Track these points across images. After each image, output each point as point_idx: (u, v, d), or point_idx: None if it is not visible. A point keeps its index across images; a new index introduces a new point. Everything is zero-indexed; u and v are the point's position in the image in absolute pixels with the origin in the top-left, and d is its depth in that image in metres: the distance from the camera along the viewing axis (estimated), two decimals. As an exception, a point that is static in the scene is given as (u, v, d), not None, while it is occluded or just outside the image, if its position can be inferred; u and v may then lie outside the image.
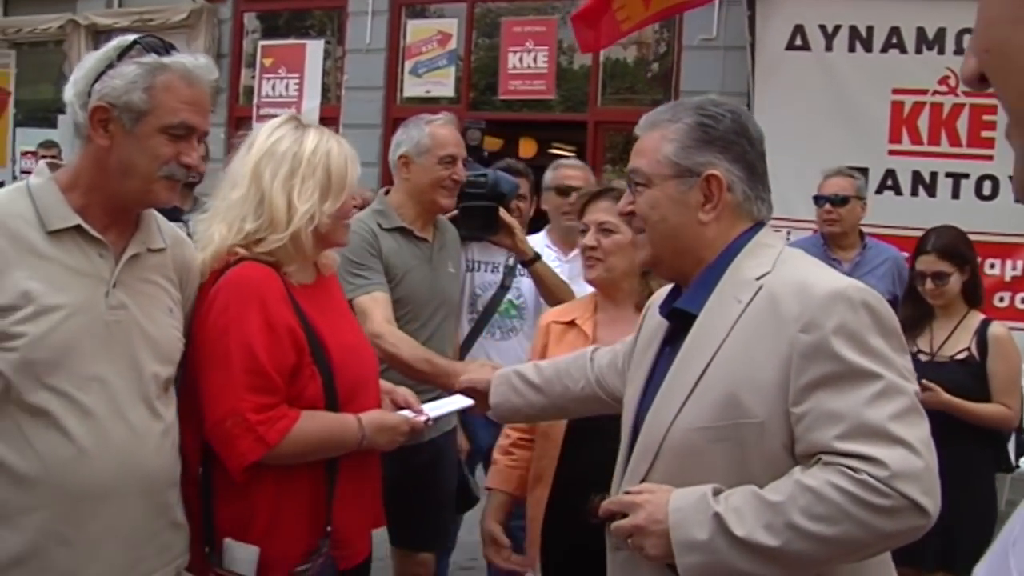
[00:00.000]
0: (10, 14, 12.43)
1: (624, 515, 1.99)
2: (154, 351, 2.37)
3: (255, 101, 10.56)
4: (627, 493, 2.03)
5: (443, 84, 10.07)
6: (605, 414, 2.58)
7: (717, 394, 1.94)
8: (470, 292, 4.44)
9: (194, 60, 2.36)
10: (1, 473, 2.18)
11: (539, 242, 4.86)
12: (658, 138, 2.09)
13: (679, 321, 2.13)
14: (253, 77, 10.76)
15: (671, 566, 1.90)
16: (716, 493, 1.88)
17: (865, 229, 5.55)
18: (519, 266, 4.47)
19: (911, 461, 1.78)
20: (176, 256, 2.51)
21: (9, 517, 2.19)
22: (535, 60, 9.54)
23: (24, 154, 11.63)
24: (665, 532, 1.89)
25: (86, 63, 2.32)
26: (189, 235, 2.74)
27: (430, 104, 9.45)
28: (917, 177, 7.39)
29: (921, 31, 7.22)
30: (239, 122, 10.22)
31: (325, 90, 10.59)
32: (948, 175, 7.25)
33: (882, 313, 1.91)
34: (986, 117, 6.92)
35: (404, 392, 2.92)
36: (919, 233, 4.71)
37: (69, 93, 2.30)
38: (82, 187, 2.30)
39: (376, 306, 3.47)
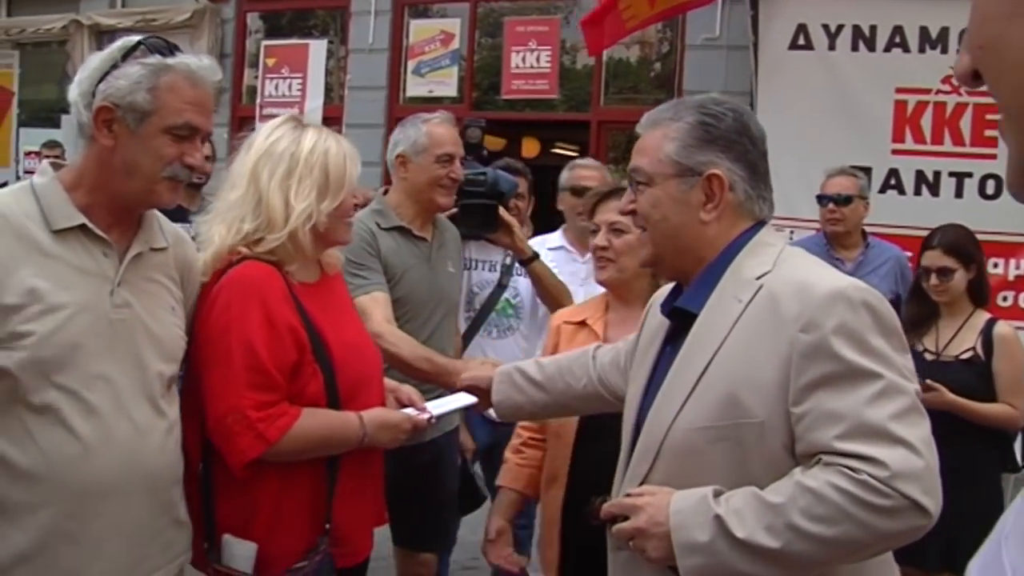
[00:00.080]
0: (13, 14, 12.44)
1: (625, 517, 1.99)
2: (158, 349, 2.39)
3: (258, 101, 10.56)
4: (628, 495, 2.03)
5: (446, 84, 10.07)
6: (613, 412, 2.56)
7: (717, 394, 1.94)
8: (467, 290, 4.44)
9: (198, 61, 2.37)
10: (6, 471, 2.19)
11: (556, 242, 4.90)
12: (660, 137, 2.09)
13: (680, 320, 2.12)
14: (256, 77, 10.77)
15: (673, 568, 1.90)
16: (717, 495, 1.88)
17: (868, 229, 5.55)
18: (516, 265, 4.48)
19: (911, 461, 1.78)
20: (177, 255, 2.53)
21: (14, 515, 2.20)
22: (538, 60, 9.53)
23: (28, 154, 11.63)
24: (666, 534, 1.89)
25: (90, 63, 2.33)
26: (195, 236, 2.75)
27: (433, 104, 9.44)
28: (920, 176, 7.38)
29: (924, 30, 7.21)
30: (242, 122, 10.23)
31: (328, 90, 10.59)
32: (951, 174, 7.24)
33: (882, 312, 1.90)
34: (989, 116, 6.90)
35: (408, 390, 2.93)
36: (923, 233, 4.70)
37: (73, 93, 2.31)
38: (86, 186, 2.31)
39: (376, 306, 3.47)
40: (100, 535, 2.25)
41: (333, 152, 2.68)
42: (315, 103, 10.39)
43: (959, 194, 7.20)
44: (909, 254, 5.51)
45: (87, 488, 2.22)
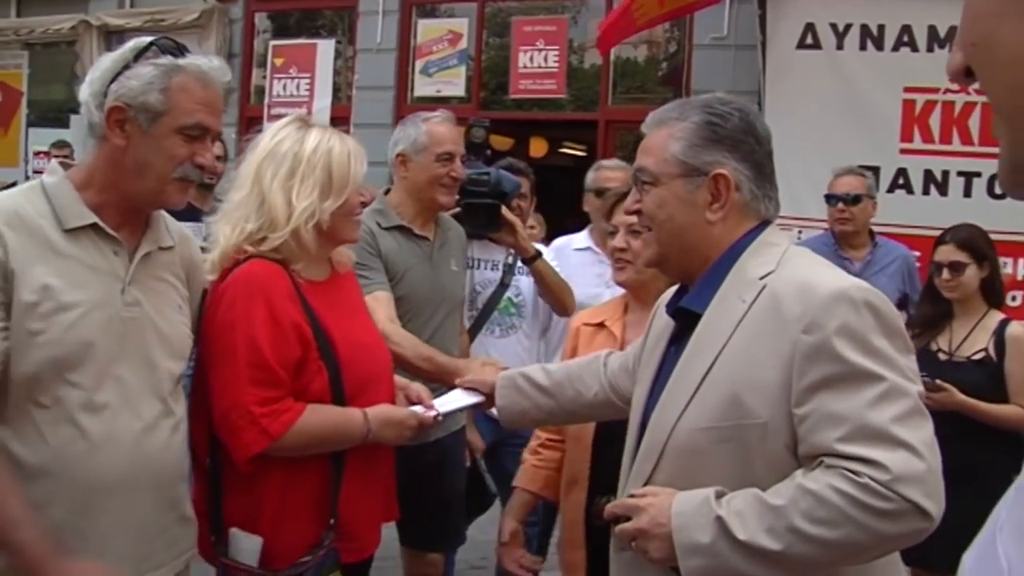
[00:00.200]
0: (23, 15, 12.48)
1: (628, 518, 1.99)
2: (166, 347, 2.41)
3: (266, 101, 10.58)
4: (631, 496, 2.03)
5: (454, 83, 10.08)
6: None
7: (720, 394, 1.94)
8: (470, 289, 4.44)
9: (208, 62, 2.39)
10: (17, 469, 2.20)
11: (582, 243, 4.92)
12: (665, 136, 2.08)
13: (684, 320, 2.12)
14: (264, 77, 10.78)
15: (675, 569, 1.90)
16: (719, 496, 1.88)
17: (877, 228, 5.54)
18: (518, 264, 4.48)
19: (913, 464, 1.77)
20: (183, 254, 2.56)
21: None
22: (546, 59, 9.54)
23: (37, 154, 11.66)
24: (668, 535, 1.89)
25: (102, 64, 2.35)
26: (206, 236, 2.79)
27: (441, 103, 9.45)
28: (929, 176, 7.36)
29: (932, 29, 7.19)
30: (250, 122, 10.25)
31: (336, 90, 10.61)
32: (960, 174, 7.22)
33: (885, 313, 1.89)
34: (998, 116, 6.88)
35: (418, 388, 2.94)
36: (931, 232, 4.70)
37: (85, 93, 2.33)
38: (96, 186, 2.33)
39: (379, 305, 3.47)
40: (107, 531, 2.27)
41: (337, 151, 2.70)
42: (323, 103, 10.40)
43: (968, 193, 7.18)
44: (917, 254, 5.51)
45: (94, 484, 2.24)
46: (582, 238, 4.97)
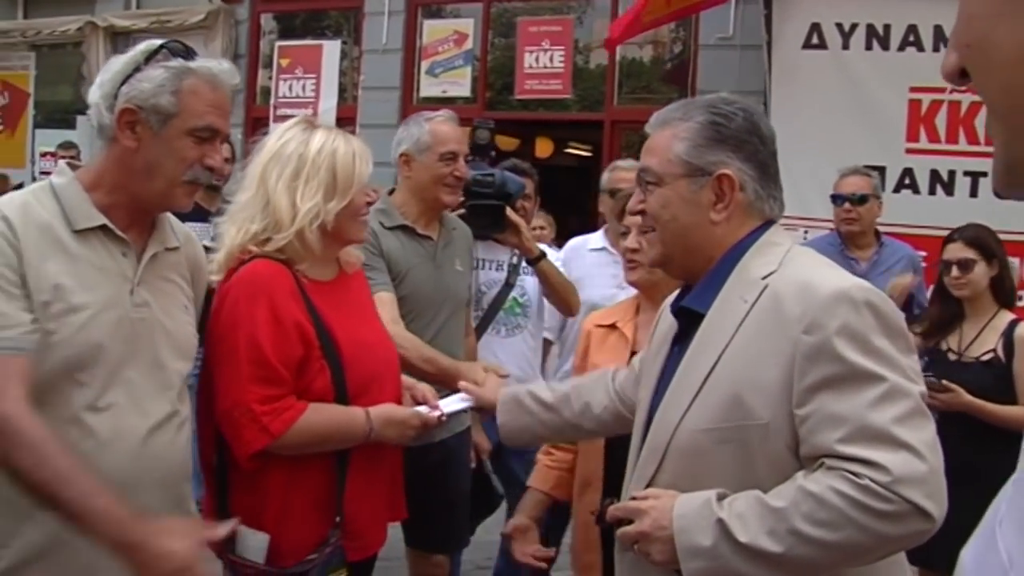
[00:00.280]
0: (29, 16, 12.51)
1: (631, 520, 1.99)
2: (174, 347, 2.43)
3: (272, 102, 10.59)
4: (633, 499, 2.03)
5: (459, 84, 10.09)
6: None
7: (722, 395, 1.93)
8: (475, 289, 4.45)
9: (218, 65, 2.41)
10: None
11: (597, 243, 4.92)
12: (669, 136, 2.07)
13: (687, 320, 2.12)
14: (270, 78, 10.80)
15: (678, 571, 1.90)
16: (720, 499, 1.88)
17: (883, 228, 5.52)
18: (523, 264, 4.49)
19: (914, 465, 1.77)
20: (188, 254, 2.58)
21: (32, 513, 2.22)
22: (551, 60, 9.54)
23: (43, 155, 11.69)
24: (670, 538, 1.89)
25: (113, 66, 2.36)
26: (214, 236, 2.80)
27: (447, 104, 9.45)
28: (935, 176, 7.35)
29: (938, 29, 7.18)
30: (256, 123, 10.26)
31: (342, 90, 10.62)
32: (966, 174, 7.20)
33: (886, 313, 1.88)
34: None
35: (424, 388, 2.95)
36: (937, 232, 4.70)
37: (95, 95, 2.34)
38: (106, 187, 2.34)
39: (382, 307, 3.48)
40: None
41: (341, 152, 2.72)
42: (329, 103, 10.41)
43: (974, 193, 7.17)
44: (923, 254, 5.50)
45: (103, 482, 2.24)
46: (597, 238, 4.98)
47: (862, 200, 5.27)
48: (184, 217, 2.64)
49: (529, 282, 4.56)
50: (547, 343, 5.05)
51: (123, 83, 2.30)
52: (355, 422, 2.67)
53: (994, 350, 4.24)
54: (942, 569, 3.89)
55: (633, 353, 2.86)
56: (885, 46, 7.50)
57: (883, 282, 4.84)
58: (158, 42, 2.38)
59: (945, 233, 4.60)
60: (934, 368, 4.25)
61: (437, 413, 2.83)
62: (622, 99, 9.58)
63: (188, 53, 2.38)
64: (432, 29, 10.24)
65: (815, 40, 7.72)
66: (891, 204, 6.01)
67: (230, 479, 2.66)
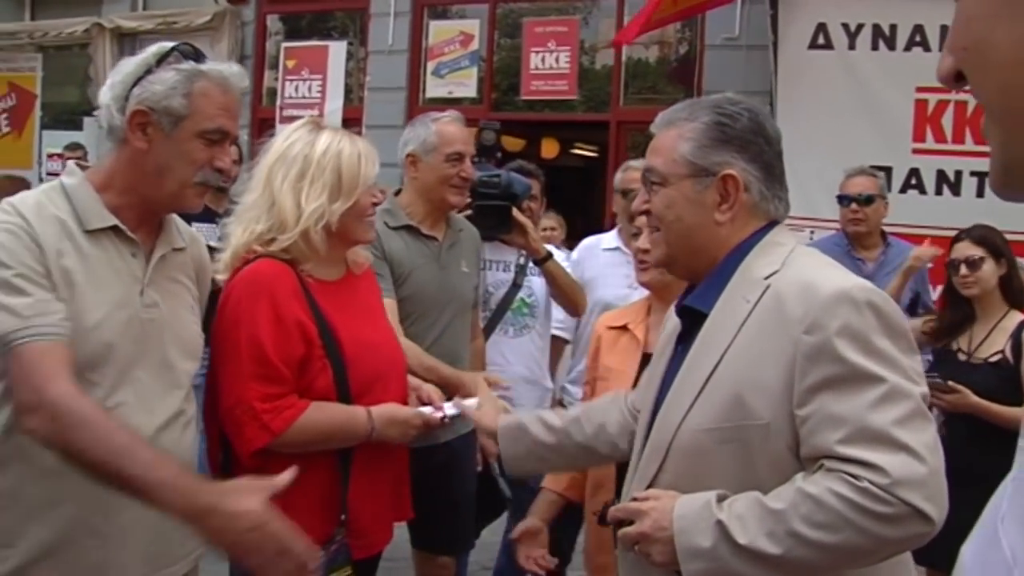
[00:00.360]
0: (37, 18, 12.55)
1: (632, 521, 1.99)
2: (181, 348, 2.45)
3: (278, 103, 10.60)
4: (634, 500, 2.03)
5: (465, 85, 10.09)
6: None
7: (724, 395, 1.93)
8: (482, 290, 4.46)
9: (229, 68, 2.44)
10: (28, 468, 2.22)
11: (611, 243, 4.92)
12: (674, 136, 2.07)
13: (690, 319, 2.12)
14: (276, 79, 10.80)
15: (678, 572, 1.90)
16: (720, 500, 1.88)
17: (889, 229, 5.51)
18: (530, 265, 4.50)
19: (913, 467, 1.76)
20: (194, 255, 2.60)
21: (37, 511, 2.24)
22: (557, 60, 9.54)
23: (50, 156, 11.71)
24: (670, 539, 1.89)
25: (124, 68, 2.38)
26: (221, 237, 2.84)
27: (452, 105, 9.45)
28: (942, 176, 7.33)
29: (945, 29, 7.08)
30: (262, 124, 10.28)
31: (348, 91, 10.62)
32: (973, 174, 7.18)
33: (888, 313, 1.88)
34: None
35: (429, 388, 2.98)
36: (944, 233, 4.69)
37: (106, 96, 2.36)
38: (116, 188, 2.35)
39: None
40: (125, 527, 2.30)
41: (347, 153, 2.74)
42: (335, 104, 10.41)
43: (980, 194, 7.15)
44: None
45: None
46: (611, 238, 4.98)
47: (868, 200, 5.26)
48: (191, 218, 2.66)
49: (536, 282, 4.57)
50: (562, 342, 5.06)
51: (134, 85, 2.32)
52: (356, 421, 2.68)
53: (1002, 351, 4.23)
54: (941, 569, 3.89)
55: (644, 355, 2.86)
56: (891, 46, 7.48)
57: (889, 282, 4.83)
58: (169, 44, 2.40)
59: (952, 233, 4.60)
60: (944, 368, 4.25)
61: (440, 415, 2.84)
62: (628, 100, 9.57)
63: (199, 56, 2.40)
64: (438, 30, 10.25)
65: (821, 40, 7.71)
66: (897, 204, 6.00)
67: (235, 475, 2.66)
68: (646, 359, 2.76)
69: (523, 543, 3.10)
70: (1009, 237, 4.60)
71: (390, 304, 3.57)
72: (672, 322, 2.29)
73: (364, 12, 10.55)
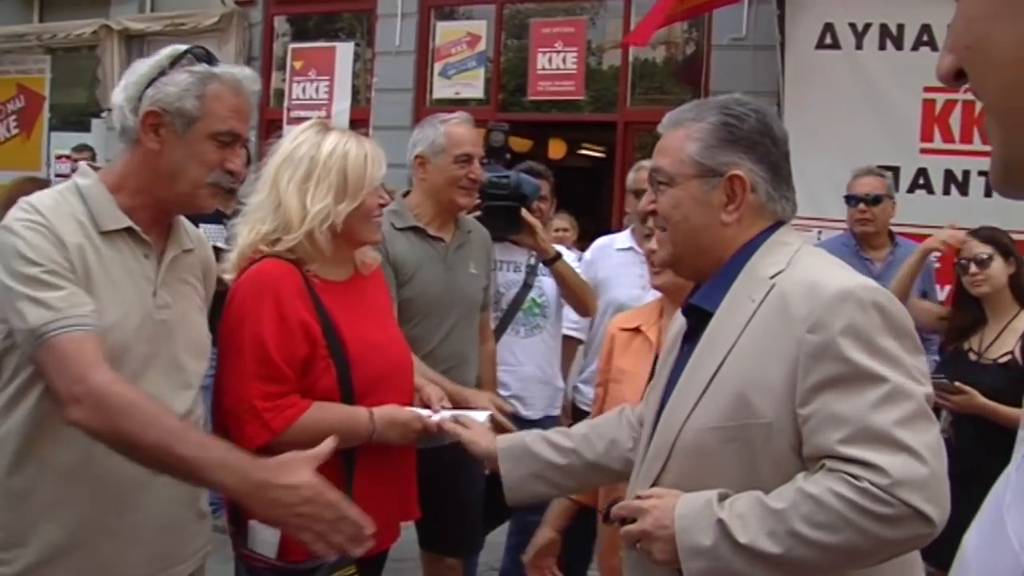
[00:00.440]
0: (45, 20, 12.58)
1: (634, 519, 1.99)
2: (191, 348, 2.47)
3: (286, 104, 10.62)
4: (637, 498, 2.03)
5: (472, 85, 10.09)
6: None
7: (728, 394, 1.93)
8: (493, 291, 4.47)
9: (241, 71, 2.46)
10: (42, 467, 2.25)
11: (624, 243, 4.93)
12: (681, 137, 2.08)
13: (696, 318, 2.12)
14: (284, 80, 10.83)
15: (680, 570, 1.90)
16: (722, 499, 1.88)
17: (896, 229, 5.50)
18: (541, 265, 4.52)
19: (914, 468, 1.76)
20: (200, 256, 2.62)
21: (50, 510, 2.26)
22: (564, 61, 9.54)
23: (59, 158, 11.76)
24: (671, 537, 1.89)
25: (138, 69, 2.40)
26: (228, 237, 2.84)
27: (460, 106, 9.45)
28: (949, 176, 7.32)
29: (952, 29, 7.15)
30: (270, 125, 10.29)
31: (355, 92, 10.64)
32: (981, 173, 7.16)
33: (893, 313, 1.88)
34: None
35: (430, 391, 2.98)
36: (952, 232, 4.65)
37: (119, 98, 2.37)
38: (128, 190, 2.37)
39: None
40: (136, 526, 2.32)
41: (353, 154, 2.76)
42: (342, 105, 10.44)
43: (988, 193, 7.12)
44: (937, 254, 5.47)
45: (121, 481, 2.28)
46: (624, 238, 4.98)
47: (876, 201, 5.25)
48: (199, 219, 2.67)
49: (547, 283, 4.59)
50: (575, 342, 5.07)
51: (148, 86, 2.34)
52: (358, 422, 2.69)
53: (1012, 352, 4.22)
54: (944, 567, 3.89)
55: (657, 357, 2.85)
56: (899, 46, 7.47)
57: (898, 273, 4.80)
58: (183, 47, 2.42)
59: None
60: (954, 368, 4.24)
61: (436, 419, 2.83)
62: (635, 100, 9.56)
63: (211, 59, 2.42)
64: (445, 31, 10.25)
65: (828, 40, 7.70)
66: (905, 204, 5.98)
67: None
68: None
69: (542, 555, 3.07)
70: (1016, 237, 4.59)
71: None
72: (678, 322, 2.29)
73: (371, 13, 10.56)
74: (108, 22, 11.64)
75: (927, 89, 7.25)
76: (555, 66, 9.57)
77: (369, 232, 2.86)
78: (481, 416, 2.88)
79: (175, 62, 2.37)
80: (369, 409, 2.71)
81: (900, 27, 7.43)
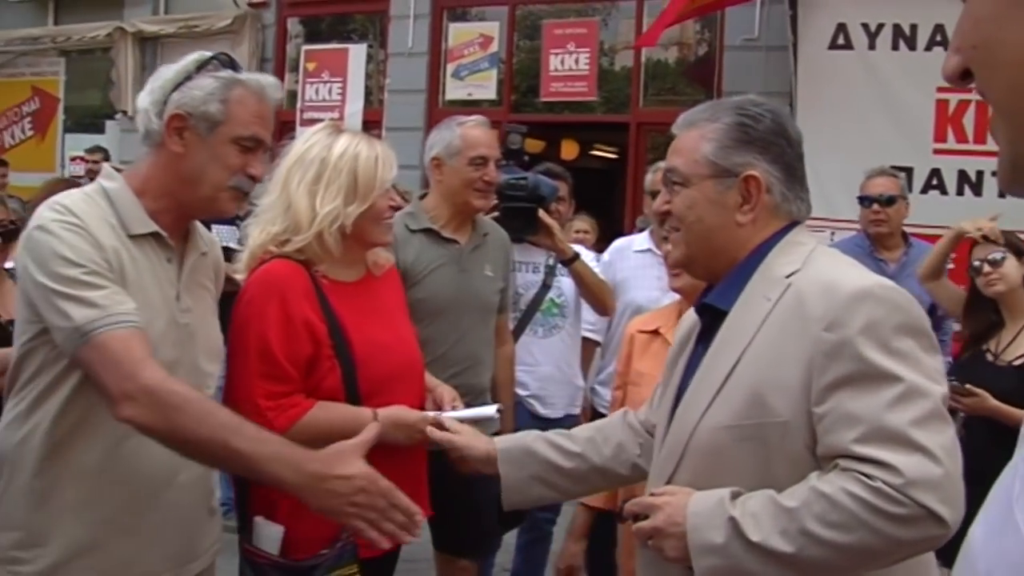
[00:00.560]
0: (60, 23, 12.63)
1: (646, 516, 1.99)
2: (208, 351, 2.51)
3: (299, 105, 10.64)
4: (651, 495, 2.03)
5: (485, 87, 10.10)
6: None
7: (744, 393, 1.93)
8: (512, 292, 4.48)
9: (266, 78, 2.50)
10: (66, 468, 2.26)
11: (642, 244, 4.93)
12: (696, 137, 2.07)
13: (710, 317, 2.11)
14: (297, 82, 10.85)
15: (691, 568, 1.89)
16: (734, 497, 1.87)
17: (910, 229, 5.48)
18: (559, 265, 4.54)
19: (928, 469, 1.75)
20: (213, 258, 2.64)
21: (71, 511, 2.28)
22: (576, 62, 9.54)
23: (73, 159, 11.82)
24: (683, 535, 1.89)
25: (164, 74, 2.42)
26: (240, 238, 2.86)
27: (472, 107, 9.47)
28: (963, 176, 7.31)
29: (966, 29, 7.12)
30: (283, 126, 10.30)
31: (368, 94, 10.66)
32: (995, 174, 7.08)
33: (910, 312, 1.88)
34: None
35: (440, 392, 2.98)
36: (966, 233, 4.63)
37: (144, 101, 2.40)
38: (151, 193, 2.39)
39: None
40: (155, 525, 2.35)
41: (363, 156, 2.78)
42: (355, 107, 10.46)
43: (1003, 194, 7.05)
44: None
45: (144, 480, 2.31)
46: (643, 239, 4.97)
47: (890, 201, 5.23)
48: (212, 220, 2.69)
49: (566, 283, 4.62)
50: (592, 344, 5.08)
51: (173, 90, 2.37)
52: (361, 423, 2.66)
53: None
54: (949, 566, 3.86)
55: None
56: (912, 46, 7.46)
57: (912, 284, 4.80)
58: (208, 53, 2.45)
59: (973, 235, 4.55)
60: (971, 369, 4.22)
61: (433, 422, 2.82)
62: (647, 101, 9.56)
63: (236, 66, 2.45)
64: (457, 32, 10.26)
65: (841, 41, 7.70)
66: (918, 205, 5.97)
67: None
68: None
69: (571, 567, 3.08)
70: (1030, 238, 4.56)
71: None
72: (686, 323, 2.29)
73: (384, 15, 10.58)
74: (122, 24, 11.69)
75: (940, 89, 7.24)
76: (567, 67, 9.57)
77: (379, 234, 2.88)
78: (490, 410, 2.87)
79: (201, 67, 2.39)
80: (373, 410, 2.71)
81: (913, 27, 7.42)
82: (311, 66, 10.79)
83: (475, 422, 2.76)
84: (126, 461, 2.27)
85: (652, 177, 4.94)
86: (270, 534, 2.65)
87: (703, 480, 1.96)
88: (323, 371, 2.71)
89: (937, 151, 7.34)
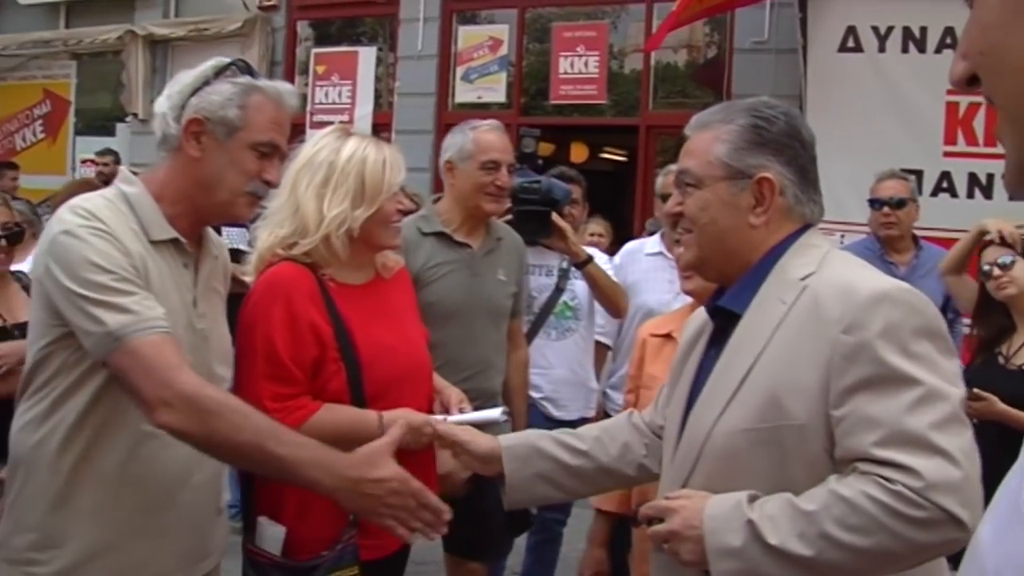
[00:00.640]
0: (71, 26, 12.68)
1: (662, 520, 1.98)
2: (220, 355, 2.52)
3: (308, 108, 10.65)
4: (666, 498, 2.02)
5: (494, 89, 10.11)
6: None
7: (760, 396, 1.92)
8: (525, 296, 4.49)
9: (283, 85, 2.53)
10: (85, 471, 2.27)
11: (654, 247, 4.94)
12: (710, 139, 2.06)
13: (722, 320, 2.11)
14: (306, 84, 10.87)
15: (707, 572, 1.88)
16: (751, 500, 1.86)
17: (920, 232, 5.47)
18: (572, 268, 4.55)
19: (948, 472, 1.74)
20: (222, 262, 2.65)
21: (88, 513, 2.29)
22: (586, 65, 9.55)
23: (83, 162, 11.85)
24: (700, 538, 1.87)
25: (182, 79, 2.43)
26: (250, 241, 2.88)
27: (482, 110, 9.50)
28: (973, 179, 7.29)
29: (977, 31, 7.10)
30: (293, 129, 10.28)
31: (377, 96, 10.67)
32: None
33: (927, 315, 1.87)
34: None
35: (448, 394, 2.99)
36: (977, 237, 4.62)
37: (162, 106, 2.41)
38: (169, 198, 2.40)
39: None
40: (168, 527, 2.36)
41: (371, 159, 2.80)
42: (365, 110, 10.47)
43: (1013, 197, 7.09)
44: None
45: (161, 482, 2.32)
46: (654, 242, 4.99)
47: (900, 204, 5.22)
48: (222, 223, 2.70)
49: (579, 286, 4.64)
50: (604, 348, 5.09)
51: (192, 95, 2.38)
52: (366, 425, 2.69)
53: None
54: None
55: None
56: (922, 49, 7.44)
57: (922, 286, 4.78)
58: (227, 60, 2.46)
59: (984, 237, 4.55)
60: (983, 373, 4.20)
61: (439, 426, 2.82)
62: (657, 104, 9.56)
63: (253, 72, 2.47)
64: (467, 35, 10.27)
65: (851, 43, 7.68)
66: (928, 208, 5.96)
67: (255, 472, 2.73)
68: None
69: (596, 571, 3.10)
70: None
71: None
72: (692, 325, 2.28)
73: (393, 18, 10.59)
74: (133, 28, 11.73)
75: (950, 92, 7.20)
76: (577, 70, 9.58)
77: (387, 237, 2.88)
78: (496, 413, 2.87)
79: (219, 73, 2.41)
80: (379, 412, 2.72)
81: (923, 30, 7.40)
82: (321, 69, 10.81)
83: (481, 425, 2.72)
84: (144, 463, 2.29)
85: (663, 180, 4.94)
86: (272, 534, 2.67)
87: (719, 484, 1.95)
88: (328, 373, 2.72)
89: (947, 154, 7.32)
